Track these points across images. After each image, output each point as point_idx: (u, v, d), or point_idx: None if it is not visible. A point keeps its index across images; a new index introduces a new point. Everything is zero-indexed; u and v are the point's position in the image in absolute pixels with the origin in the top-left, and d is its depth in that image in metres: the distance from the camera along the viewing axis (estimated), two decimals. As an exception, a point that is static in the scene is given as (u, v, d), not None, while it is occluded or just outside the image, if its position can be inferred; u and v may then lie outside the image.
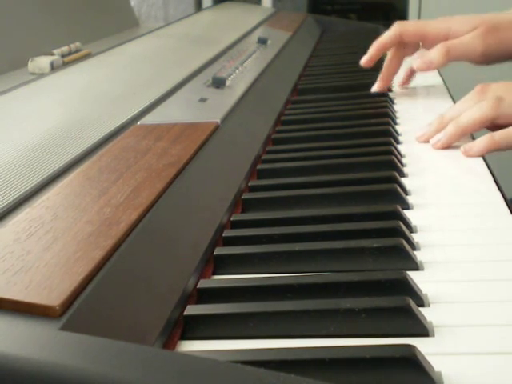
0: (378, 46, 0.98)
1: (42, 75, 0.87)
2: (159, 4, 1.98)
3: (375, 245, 0.49)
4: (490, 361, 0.38)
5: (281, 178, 0.68)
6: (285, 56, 1.14)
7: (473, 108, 0.73)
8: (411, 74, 1.02)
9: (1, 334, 0.32)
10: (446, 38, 0.93)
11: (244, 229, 0.57)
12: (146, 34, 1.22)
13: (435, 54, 0.88)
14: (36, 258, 0.39)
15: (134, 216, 0.46)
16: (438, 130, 0.76)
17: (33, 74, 0.88)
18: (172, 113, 0.72)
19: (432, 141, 0.75)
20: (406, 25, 0.97)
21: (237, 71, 0.92)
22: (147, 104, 0.74)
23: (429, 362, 0.37)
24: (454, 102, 0.92)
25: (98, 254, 0.40)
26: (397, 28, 0.96)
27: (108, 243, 0.42)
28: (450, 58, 0.88)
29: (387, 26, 1.12)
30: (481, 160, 0.71)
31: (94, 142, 0.61)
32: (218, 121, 0.69)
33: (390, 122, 0.82)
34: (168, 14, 2.03)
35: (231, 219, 0.58)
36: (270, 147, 0.78)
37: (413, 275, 0.46)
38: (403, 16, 2.11)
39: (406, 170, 0.69)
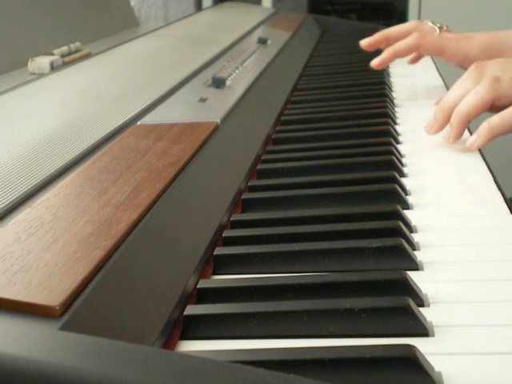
0: (393, 52, 0.97)
1: (41, 75, 0.87)
2: (159, 4, 1.98)
3: (375, 245, 0.49)
4: (490, 361, 0.38)
5: (281, 177, 0.68)
6: (285, 56, 1.14)
7: (470, 93, 0.72)
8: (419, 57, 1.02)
9: (1, 333, 0.32)
10: (462, 60, 0.92)
11: (244, 229, 0.57)
12: (145, 34, 1.22)
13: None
14: (36, 257, 0.39)
15: (134, 216, 0.46)
16: (444, 121, 0.76)
17: (33, 74, 0.88)
18: (172, 113, 0.72)
19: (444, 137, 0.75)
20: (425, 37, 0.96)
21: (237, 71, 0.92)
22: (147, 104, 0.74)
23: (429, 362, 0.37)
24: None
25: (97, 254, 0.40)
26: (416, 38, 0.95)
27: (108, 243, 0.42)
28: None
29: (387, 26, 1.12)
30: (481, 160, 0.71)
31: (93, 141, 0.61)
32: (218, 121, 0.69)
33: (390, 122, 0.82)
34: (168, 13, 2.04)
35: (231, 219, 0.58)
36: (270, 147, 0.78)
37: (413, 275, 0.46)
38: (403, 16, 2.12)
39: (405, 170, 0.69)
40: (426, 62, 1.16)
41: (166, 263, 0.46)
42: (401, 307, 0.41)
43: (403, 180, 0.65)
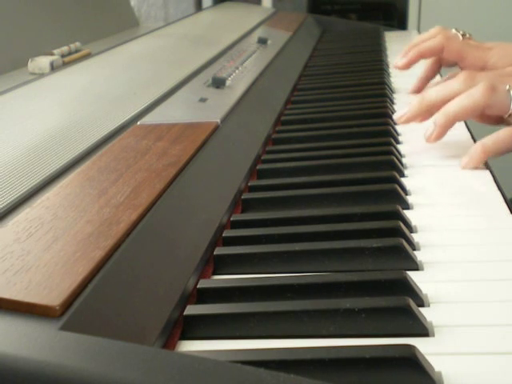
0: (419, 52, 0.97)
1: (42, 75, 0.87)
2: (159, 4, 1.98)
3: (375, 245, 0.49)
4: (490, 361, 0.38)
5: (281, 178, 0.68)
6: (285, 56, 1.14)
7: (462, 95, 0.71)
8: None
9: (1, 333, 0.32)
10: (481, 69, 0.92)
11: (244, 229, 0.57)
12: (145, 33, 1.22)
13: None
14: (36, 257, 0.39)
15: (134, 216, 0.46)
16: (419, 114, 0.75)
17: (33, 74, 0.88)
18: (172, 113, 0.72)
19: (425, 135, 0.73)
20: (450, 40, 0.95)
21: (237, 71, 0.92)
22: (147, 104, 0.74)
23: (429, 362, 0.37)
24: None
25: (97, 254, 0.40)
26: (442, 41, 0.95)
27: (108, 243, 0.42)
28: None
29: (387, 26, 1.12)
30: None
31: (93, 141, 0.61)
32: (218, 121, 0.69)
33: (390, 122, 0.82)
34: (168, 14, 2.03)
35: (231, 219, 0.58)
36: (270, 147, 0.78)
37: (413, 275, 0.46)
38: (403, 16, 2.12)
39: (405, 170, 0.69)
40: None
41: (166, 263, 0.46)
42: (401, 307, 0.41)
43: (403, 180, 0.65)
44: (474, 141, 0.77)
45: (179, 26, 1.36)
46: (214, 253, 0.52)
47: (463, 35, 0.99)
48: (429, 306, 0.44)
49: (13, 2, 0.99)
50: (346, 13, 2.28)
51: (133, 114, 0.70)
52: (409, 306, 0.41)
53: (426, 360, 0.37)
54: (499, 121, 0.77)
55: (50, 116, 0.68)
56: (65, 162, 0.56)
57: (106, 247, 0.41)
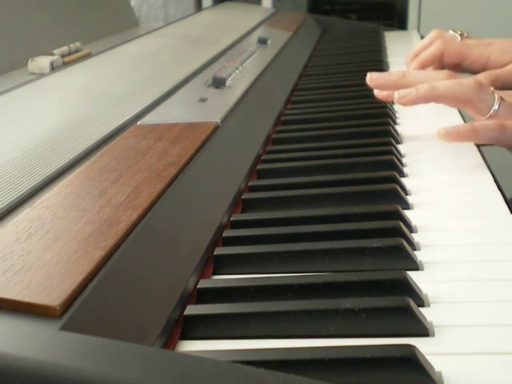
0: (420, 62, 0.97)
1: (42, 75, 0.87)
2: (159, 4, 1.98)
3: (375, 245, 0.49)
4: (490, 361, 0.38)
5: (281, 177, 0.68)
6: (285, 56, 1.14)
7: (453, 80, 0.71)
8: None
9: (1, 333, 0.32)
10: (483, 65, 0.92)
11: (244, 229, 0.57)
12: (145, 34, 1.22)
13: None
14: (36, 258, 0.39)
15: (134, 216, 0.46)
16: (396, 85, 0.74)
17: (33, 74, 0.88)
18: (172, 113, 0.72)
19: (399, 93, 0.73)
20: (448, 44, 0.96)
21: (237, 71, 0.92)
22: (147, 104, 0.74)
23: (429, 361, 0.37)
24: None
25: (98, 254, 0.40)
26: (440, 46, 0.96)
27: (108, 243, 0.42)
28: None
29: (387, 26, 1.12)
30: (481, 160, 0.71)
31: (93, 141, 0.61)
32: (218, 121, 0.69)
33: (390, 122, 0.82)
34: (168, 14, 2.03)
35: (231, 219, 0.58)
36: (270, 147, 0.78)
37: (413, 275, 0.46)
38: (403, 16, 2.11)
39: (405, 170, 0.69)
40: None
41: (166, 263, 0.46)
42: (401, 307, 0.41)
43: (403, 180, 0.65)
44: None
45: (179, 26, 1.36)
46: (214, 253, 0.52)
47: (461, 35, 0.99)
48: (429, 305, 0.44)
49: (13, 2, 0.99)
50: (345, 13, 2.28)
51: (133, 113, 0.70)
52: (409, 305, 0.41)
53: (426, 360, 0.37)
54: None
55: (50, 116, 0.68)
56: (65, 162, 0.56)
57: (106, 247, 0.41)
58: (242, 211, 0.61)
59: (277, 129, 0.83)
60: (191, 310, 0.44)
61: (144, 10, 1.86)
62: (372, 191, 0.61)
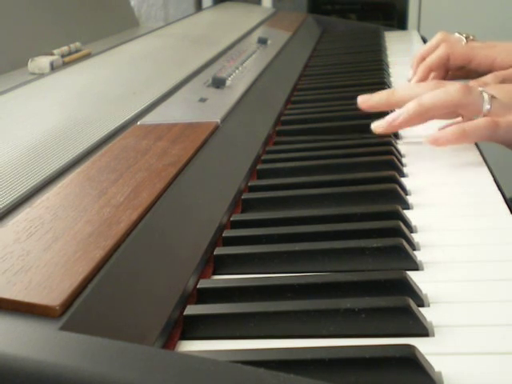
0: (427, 67, 0.97)
1: (42, 75, 0.87)
2: (159, 4, 1.98)
3: (375, 245, 0.49)
4: (490, 361, 0.38)
5: (281, 177, 0.68)
6: (285, 56, 1.14)
7: (438, 90, 0.70)
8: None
9: (1, 333, 0.32)
10: (490, 67, 0.92)
11: (244, 229, 0.57)
12: (145, 34, 1.22)
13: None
14: (36, 257, 0.39)
15: (134, 216, 0.46)
16: (388, 103, 0.75)
17: (33, 74, 0.88)
18: (172, 113, 0.72)
19: (390, 117, 0.73)
20: (453, 47, 0.96)
21: (237, 71, 0.92)
22: (147, 104, 0.74)
23: (429, 361, 0.37)
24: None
25: (97, 254, 0.40)
26: (446, 50, 0.96)
27: (108, 243, 0.42)
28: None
29: (387, 26, 1.12)
30: (481, 160, 0.71)
31: (93, 141, 0.61)
32: (218, 121, 0.69)
33: (390, 121, 0.82)
34: (168, 14, 2.03)
35: (231, 219, 0.58)
36: (270, 147, 0.78)
37: (413, 275, 0.46)
38: (403, 16, 2.11)
39: (405, 170, 0.69)
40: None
41: (166, 263, 0.46)
42: (401, 307, 0.41)
43: (403, 180, 0.65)
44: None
45: (179, 25, 1.36)
46: (214, 253, 0.52)
47: (467, 38, 0.99)
48: (429, 305, 0.44)
49: (13, 2, 0.99)
50: (345, 13, 2.28)
51: (133, 114, 0.70)
52: (409, 305, 0.41)
53: (426, 360, 0.37)
54: None
55: (49, 116, 0.68)
56: (65, 162, 0.56)
57: (106, 247, 0.41)
58: (242, 211, 0.61)
59: (277, 129, 0.83)
60: (191, 310, 0.44)
61: (144, 10, 1.86)
62: (372, 191, 0.61)
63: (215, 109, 0.73)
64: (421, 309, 0.43)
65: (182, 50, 1.08)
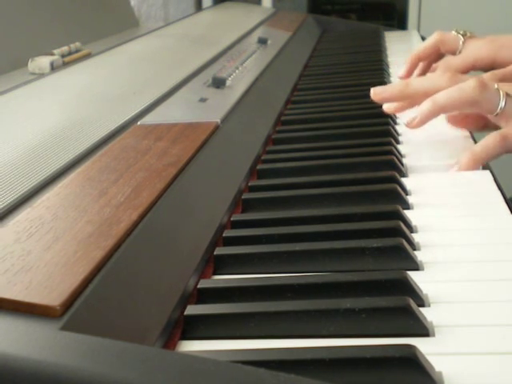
0: (413, 57, 0.97)
1: (42, 75, 0.87)
2: (159, 4, 1.98)
3: (375, 245, 0.49)
4: (490, 361, 0.38)
5: (281, 177, 0.68)
6: (285, 56, 1.14)
7: (452, 88, 0.69)
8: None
9: (1, 333, 0.32)
10: (491, 65, 0.91)
11: (244, 229, 0.57)
12: (145, 34, 1.22)
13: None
14: (36, 258, 0.39)
15: (134, 216, 0.46)
16: (402, 95, 0.74)
17: (33, 73, 0.88)
18: (172, 113, 0.72)
19: (407, 120, 0.72)
20: (445, 35, 0.95)
21: (237, 71, 0.92)
22: (147, 104, 0.74)
23: (429, 361, 0.37)
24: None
25: (98, 254, 0.40)
26: (436, 37, 0.95)
27: (108, 243, 0.42)
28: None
29: (387, 26, 1.12)
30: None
31: (93, 142, 0.61)
32: (218, 121, 0.69)
33: (390, 121, 0.82)
34: (168, 14, 2.03)
35: (231, 219, 0.58)
36: (270, 147, 0.78)
37: (413, 275, 0.46)
38: (403, 16, 2.11)
39: (405, 170, 0.69)
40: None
41: (167, 263, 0.46)
42: (401, 307, 0.41)
43: (403, 180, 0.65)
44: (475, 141, 0.77)
45: (179, 25, 1.36)
46: (214, 253, 0.52)
47: (464, 35, 0.98)
48: (429, 305, 0.44)
49: (13, 2, 0.99)
50: (345, 13, 2.28)
51: (133, 113, 0.70)
52: (409, 305, 0.41)
53: (427, 360, 0.37)
54: (483, 125, 0.76)
55: (50, 116, 0.68)
56: (65, 161, 0.56)
57: (107, 247, 0.41)
58: (242, 211, 0.61)
59: (277, 129, 0.83)
60: (191, 309, 0.44)
61: (144, 10, 1.86)
62: (372, 191, 0.61)
63: (215, 109, 0.73)
64: (421, 309, 0.43)
65: (182, 50, 1.08)
